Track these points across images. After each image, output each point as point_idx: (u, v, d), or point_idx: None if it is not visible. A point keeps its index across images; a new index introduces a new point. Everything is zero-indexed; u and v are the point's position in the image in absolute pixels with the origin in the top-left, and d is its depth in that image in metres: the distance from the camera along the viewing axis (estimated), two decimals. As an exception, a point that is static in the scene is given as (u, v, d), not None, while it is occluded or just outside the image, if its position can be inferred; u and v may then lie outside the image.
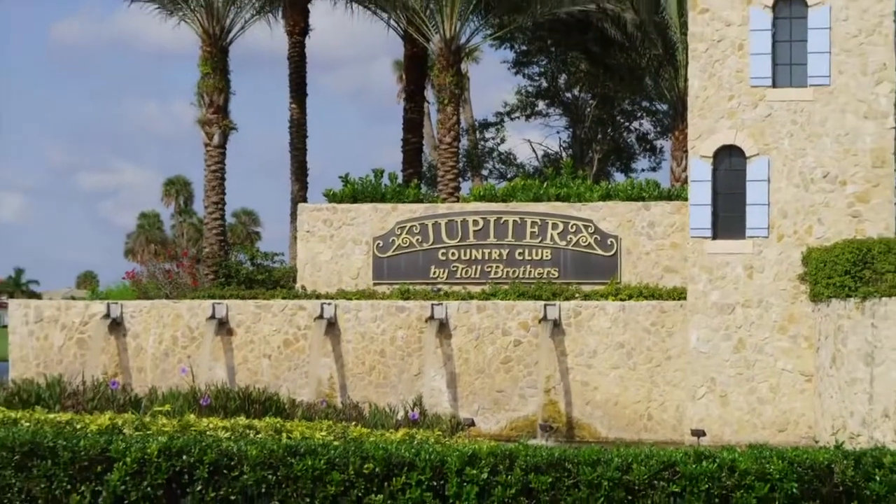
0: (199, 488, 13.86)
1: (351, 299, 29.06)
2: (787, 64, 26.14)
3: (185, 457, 13.94)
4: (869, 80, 25.74)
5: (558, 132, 55.15)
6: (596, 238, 29.56)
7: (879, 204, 25.66)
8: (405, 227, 30.39)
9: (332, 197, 31.69)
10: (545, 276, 29.64)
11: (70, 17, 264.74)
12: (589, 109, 51.72)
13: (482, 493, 13.72)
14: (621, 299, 28.01)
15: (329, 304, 28.49)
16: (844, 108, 25.78)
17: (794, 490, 13.64)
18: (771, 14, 26.08)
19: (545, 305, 27.61)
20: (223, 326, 28.78)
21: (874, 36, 25.77)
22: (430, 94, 46.23)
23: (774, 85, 26.08)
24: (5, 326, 37.90)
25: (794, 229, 25.92)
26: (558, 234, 29.71)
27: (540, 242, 29.80)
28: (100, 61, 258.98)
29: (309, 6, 43.12)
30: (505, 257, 29.95)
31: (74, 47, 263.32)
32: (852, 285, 23.06)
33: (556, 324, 27.44)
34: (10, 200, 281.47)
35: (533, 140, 56.56)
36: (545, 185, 31.02)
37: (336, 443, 14.55)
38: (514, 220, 29.94)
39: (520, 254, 29.90)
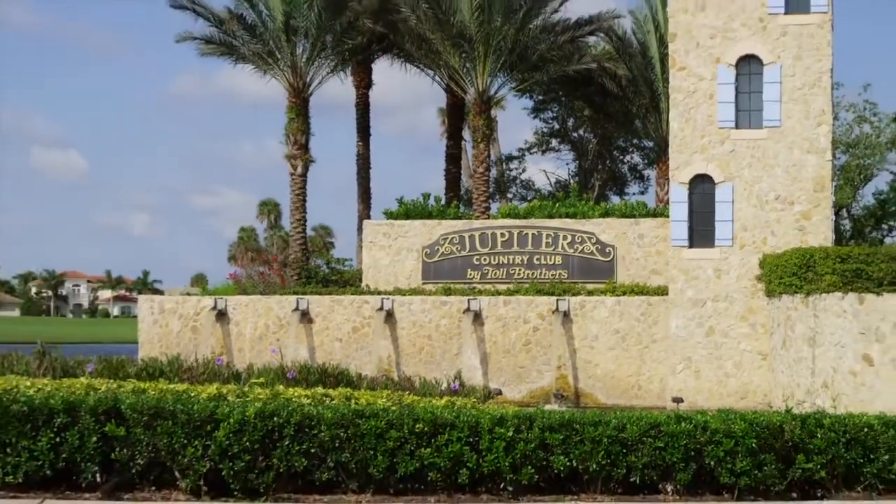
0: (286, 443, 13.93)
1: (405, 295, 29.07)
2: (747, 110, 26.02)
3: (275, 418, 14.01)
4: (811, 122, 25.61)
5: (567, 164, 54.94)
6: (597, 247, 29.50)
7: (819, 220, 25.53)
8: (447, 238, 30.39)
9: (390, 215, 31.74)
10: (557, 276, 29.60)
11: (183, 74, 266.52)
12: (591, 146, 51.53)
13: (508, 448, 13.75)
14: (617, 295, 27.94)
15: (388, 298, 28.50)
16: (792, 145, 25.67)
17: (754, 444, 13.62)
18: (734, 71, 25.99)
19: (557, 300, 27.57)
20: (305, 316, 28.84)
21: (815, 88, 25.65)
22: (466, 134, 46.15)
23: (737, 127, 25.97)
24: (135, 316, 38.08)
25: (752, 240, 25.81)
26: (567, 243, 29.66)
27: (553, 250, 29.75)
28: (208, 108, 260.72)
29: (372, 66, 43.17)
30: (525, 262, 29.91)
31: (186, 97, 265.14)
32: (798, 284, 22.93)
33: (566, 314, 27.39)
34: (139, 218, 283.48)
35: (547, 170, 56.75)
36: (557, 205, 30.95)
37: (393, 408, 14.59)
38: (532, 233, 29.90)
39: (537, 259, 29.86)
